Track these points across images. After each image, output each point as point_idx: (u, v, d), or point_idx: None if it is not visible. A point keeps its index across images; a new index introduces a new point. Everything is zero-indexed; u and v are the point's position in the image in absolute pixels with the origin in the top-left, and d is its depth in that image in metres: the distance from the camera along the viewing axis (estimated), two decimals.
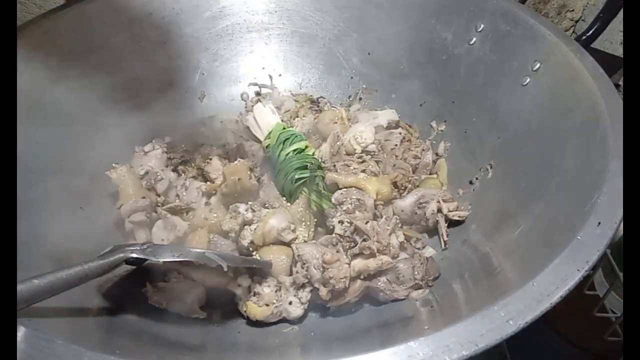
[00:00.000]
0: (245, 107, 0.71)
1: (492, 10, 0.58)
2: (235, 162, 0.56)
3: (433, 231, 0.56)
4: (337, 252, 0.47)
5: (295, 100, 0.69)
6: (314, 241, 0.51)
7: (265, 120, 0.62)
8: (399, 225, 0.52)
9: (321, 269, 0.46)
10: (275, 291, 0.47)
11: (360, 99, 0.73)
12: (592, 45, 0.58)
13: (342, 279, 0.45)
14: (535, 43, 0.53)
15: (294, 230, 0.52)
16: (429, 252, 0.54)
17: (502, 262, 0.43)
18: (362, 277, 0.47)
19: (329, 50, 0.72)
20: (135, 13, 0.64)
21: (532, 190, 0.47)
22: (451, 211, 0.54)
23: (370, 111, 0.67)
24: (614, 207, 0.35)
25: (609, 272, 0.65)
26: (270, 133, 0.60)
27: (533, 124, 0.52)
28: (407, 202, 0.55)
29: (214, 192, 0.56)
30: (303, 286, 0.47)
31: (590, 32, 0.58)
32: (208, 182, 0.57)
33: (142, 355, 0.35)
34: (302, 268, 0.47)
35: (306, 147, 0.58)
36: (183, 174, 0.59)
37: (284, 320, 0.48)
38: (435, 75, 0.66)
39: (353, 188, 0.54)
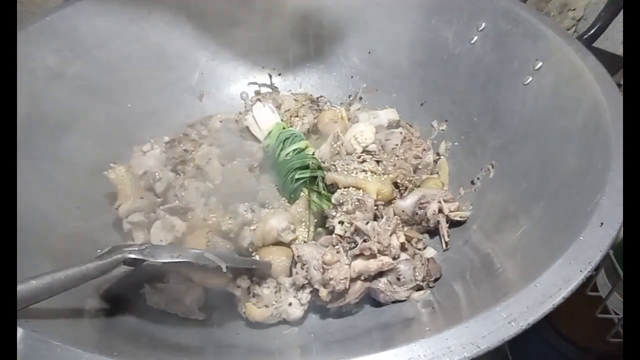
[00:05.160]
0: (245, 106, 0.71)
1: (493, 9, 0.58)
2: (235, 162, 0.56)
3: (434, 232, 0.56)
4: (338, 252, 0.47)
5: (295, 100, 0.68)
6: (314, 242, 0.51)
7: (265, 120, 0.62)
8: (400, 225, 0.52)
9: (321, 270, 0.45)
10: (275, 292, 0.47)
11: (361, 98, 0.72)
12: (593, 45, 0.58)
13: (342, 280, 0.45)
14: (536, 42, 0.53)
15: (293, 231, 0.51)
16: (430, 252, 0.53)
17: (504, 262, 0.43)
18: (362, 278, 0.46)
19: (329, 50, 0.72)
20: (135, 13, 0.63)
21: (533, 190, 0.47)
22: (452, 211, 0.54)
23: (370, 110, 0.67)
24: (616, 208, 0.35)
25: (611, 273, 0.64)
26: (270, 133, 0.60)
27: (534, 123, 0.51)
28: (407, 202, 0.54)
29: (213, 192, 0.56)
30: (303, 287, 0.47)
31: (592, 31, 0.58)
32: (207, 182, 0.57)
33: (141, 356, 0.35)
34: (302, 269, 0.46)
35: (306, 147, 0.58)
36: (182, 174, 0.58)
37: (283, 321, 0.47)
38: (436, 74, 0.65)
39: (353, 188, 0.53)
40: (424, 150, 0.61)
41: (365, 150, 0.60)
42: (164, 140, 0.62)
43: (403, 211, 0.54)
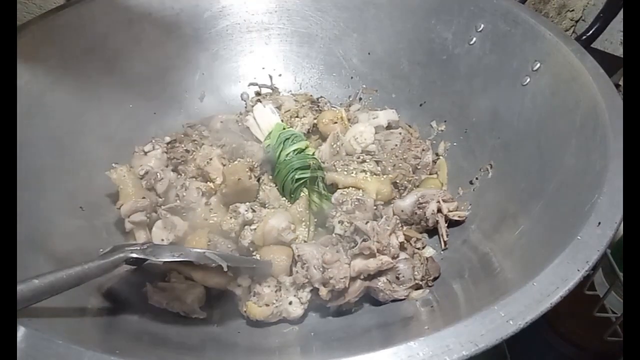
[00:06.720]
0: (245, 107, 0.71)
1: (492, 10, 0.58)
2: (235, 162, 0.56)
3: (433, 231, 0.56)
4: (337, 252, 0.47)
5: (295, 100, 0.68)
6: (314, 241, 0.51)
7: (265, 120, 0.62)
8: (399, 225, 0.52)
9: (321, 269, 0.46)
10: (275, 291, 0.47)
11: (360, 99, 0.72)
12: (592, 45, 0.58)
13: (342, 279, 0.45)
14: (535, 43, 0.53)
15: (294, 231, 0.52)
16: (429, 252, 0.54)
17: (502, 262, 0.43)
18: (362, 277, 0.47)
19: (329, 50, 0.72)
20: (135, 13, 0.64)
21: (532, 190, 0.47)
22: (451, 211, 0.54)
23: (370, 111, 0.67)
24: (614, 207, 0.35)
25: (609, 272, 0.65)
26: (270, 133, 0.60)
27: (533, 124, 0.51)
28: (407, 202, 0.55)
29: (214, 192, 0.56)
30: (303, 286, 0.47)
31: (591, 32, 0.58)
32: (208, 182, 0.57)
33: (142, 355, 0.35)
34: (302, 268, 0.47)
35: (306, 147, 0.58)
36: (183, 174, 0.58)
37: (284, 320, 0.48)
38: (436, 75, 0.66)
39: (353, 188, 0.54)
40: (423, 150, 0.61)
41: (365, 151, 0.61)
42: (165, 140, 0.62)
43: (402, 211, 0.55)
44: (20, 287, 0.32)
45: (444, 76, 0.65)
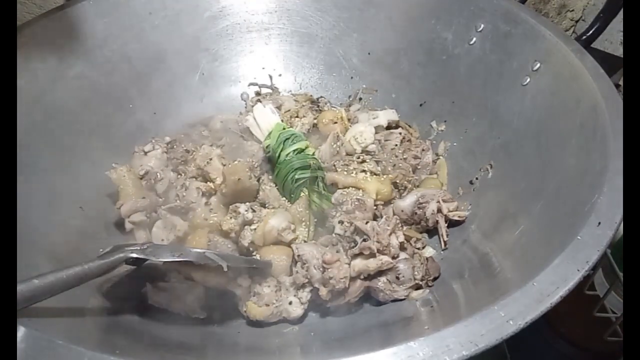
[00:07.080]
0: (245, 107, 0.71)
1: (492, 10, 0.59)
2: (235, 162, 0.56)
3: (433, 231, 0.56)
4: (337, 252, 0.47)
5: (295, 100, 0.69)
6: (314, 241, 0.51)
7: (265, 120, 0.62)
8: (399, 225, 0.52)
9: (321, 269, 0.46)
10: (275, 291, 0.47)
11: (360, 99, 0.73)
12: (592, 45, 0.58)
13: (342, 279, 0.45)
14: (535, 43, 0.53)
15: (294, 230, 0.52)
16: (429, 252, 0.54)
17: (502, 262, 0.43)
18: (362, 277, 0.47)
19: (329, 50, 0.72)
20: (135, 13, 0.64)
21: (532, 190, 0.47)
22: (451, 211, 0.54)
23: (370, 111, 0.67)
24: (614, 207, 0.35)
25: (609, 272, 0.65)
26: (270, 133, 0.60)
27: (533, 123, 0.52)
28: (407, 202, 0.55)
29: (214, 192, 0.56)
30: (303, 286, 0.47)
31: (591, 32, 0.58)
32: (208, 182, 0.57)
33: (142, 355, 0.35)
34: (302, 268, 0.47)
35: (306, 147, 0.58)
36: (183, 174, 0.58)
37: (284, 320, 0.48)
38: (436, 75, 0.66)
39: (353, 188, 0.54)
40: (423, 150, 0.61)
41: (365, 151, 0.61)
42: (165, 140, 0.62)
43: (402, 211, 0.55)
44: (20, 287, 0.32)
45: (444, 76, 0.65)
